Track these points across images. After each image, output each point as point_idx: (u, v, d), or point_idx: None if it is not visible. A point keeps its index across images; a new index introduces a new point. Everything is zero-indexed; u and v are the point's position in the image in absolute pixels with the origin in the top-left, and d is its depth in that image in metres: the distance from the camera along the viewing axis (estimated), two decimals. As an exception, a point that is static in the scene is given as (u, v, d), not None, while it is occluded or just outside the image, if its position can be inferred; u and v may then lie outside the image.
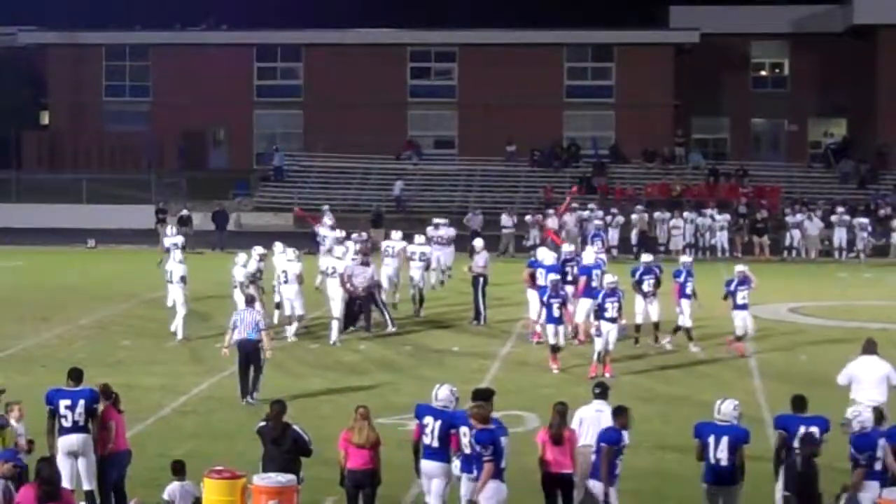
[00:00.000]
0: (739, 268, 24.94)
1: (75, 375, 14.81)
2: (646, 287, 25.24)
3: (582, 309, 24.92)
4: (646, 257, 26.61)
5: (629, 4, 63.57)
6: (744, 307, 24.36)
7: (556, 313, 22.94)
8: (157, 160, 59.43)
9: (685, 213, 45.38)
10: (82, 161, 59.95)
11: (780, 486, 13.51)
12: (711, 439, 13.16)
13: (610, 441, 13.36)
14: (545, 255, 26.42)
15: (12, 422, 14.00)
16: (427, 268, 30.55)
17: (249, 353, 20.15)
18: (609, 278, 23.61)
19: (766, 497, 13.97)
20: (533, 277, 25.83)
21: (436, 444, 13.62)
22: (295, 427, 13.86)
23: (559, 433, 13.83)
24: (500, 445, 13.17)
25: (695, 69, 60.76)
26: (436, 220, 35.56)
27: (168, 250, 30.97)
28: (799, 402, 13.85)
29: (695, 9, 62.55)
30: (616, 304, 22.78)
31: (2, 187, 56.48)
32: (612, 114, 62.52)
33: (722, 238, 44.77)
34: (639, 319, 25.42)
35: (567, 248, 27.90)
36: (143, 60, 64.26)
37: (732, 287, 24.46)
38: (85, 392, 14.61)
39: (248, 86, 63.38)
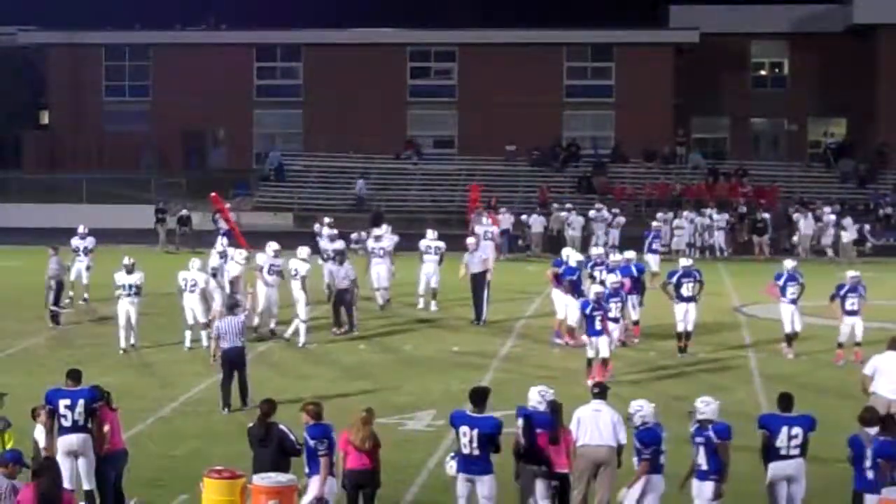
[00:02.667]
0: (852, 273, 24.48)
1: (74, 376, 14.82)
2: (685, 291, 24.56)
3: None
4: (684, 261, 25.75)
5: (629, 4, 63.60)
6: (852, 313, 24.04)
7: (598, 326, 21.96)
8: (157, 160, 59.41)
9: (685, 213, 45.44)
10: (82, 161, 59.96)
11: (768, 481, 13.58)
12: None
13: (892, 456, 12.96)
14: (570, 255, 26.43)
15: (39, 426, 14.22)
16: (441, 261, 30.71)
17: (235, 362, 19.72)
18: (612, 278, 23.49)
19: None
20: (557, 277, 25.85)
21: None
22: (281, 426, 13.84)
23: (555, 433, 13.83)
24: (333, 440, 13.38)
25: (695, 69, 60.78)
26: (376, 232, 32.28)
27: (76, 250, 30.84)
28: (785, 401, 13.87)
29: (695, 8, 62.56)
30: (619, 305, 22.68)
31: (2, 187, 56.48)
32: (612, 113, 62.53)
33: (720, 237, 44.85)
34: (680, 327, 24.74)
35: (596, 251, 27.79)
36: (143, 60, 64.28)
37: (842, 292, 24.15)
38: (84, 392, 14.63)
39: (248, 86, 63.39)
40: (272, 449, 13.68)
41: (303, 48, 63.45)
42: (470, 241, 29.91)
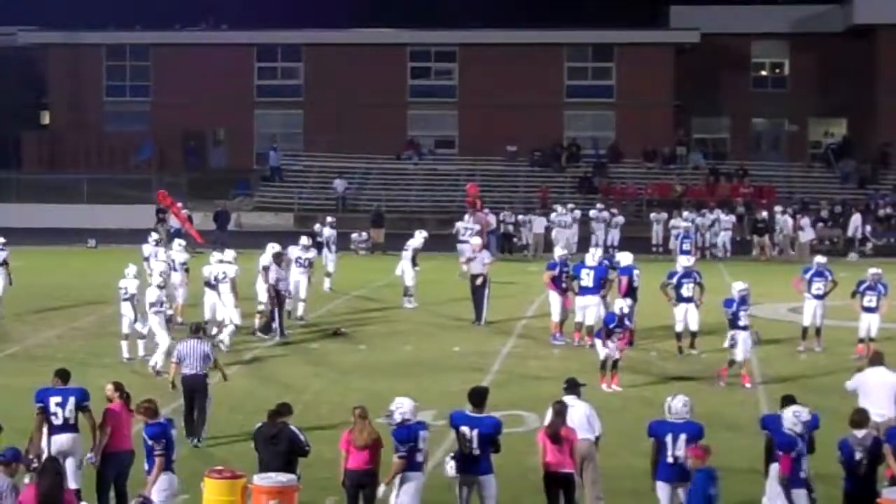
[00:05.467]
0: (874, 270, 24.57)
1: (62, 375, 14.88)
2: (685, 292, 24.50)
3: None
4: (686, 261, 25.80)
5: (629, 4, 63.59)
6: (869, 310, 24.11)
7: (614, 340, 21.49)
8: (157, 160, 59.44)
9: (685, 213, 45.39)
10: (82, 161, 59.95)
11: (768, 485, 13.59)
12: (669, 438, 13.28)
13: None
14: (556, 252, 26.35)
15: None
16: (413, 261, 30.76)
17: (196, 391, 17.87)
18: (740, 286, 22.51)
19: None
20: (553, 280, 25.81)
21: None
22: (291, 427, 13.85)
23: (556, 432, 13.84)
24: (171, 439, 13.48)
25: (695, 69, 60.79)
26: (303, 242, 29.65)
27: None
28: (788, 402, 13.87)
29: (695, 9, 62.57)
30: (748, 312, 22.12)
31: (2, 187, 56.47)
32: (613, 114, 62.55)
33: (725, 238, 44.80)
34: (679, 327, 24.65)
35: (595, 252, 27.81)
36: (143, 60, 64.28)
37: (862, 289, 24.26)
38: (75, 390, 14.70)
39: (248, 86, 63.40)
40: (281, 449, 13.68)
41: (303, 48, 63.46)
42: (475, 241, 29.85)
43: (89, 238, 46.28)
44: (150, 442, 13.46)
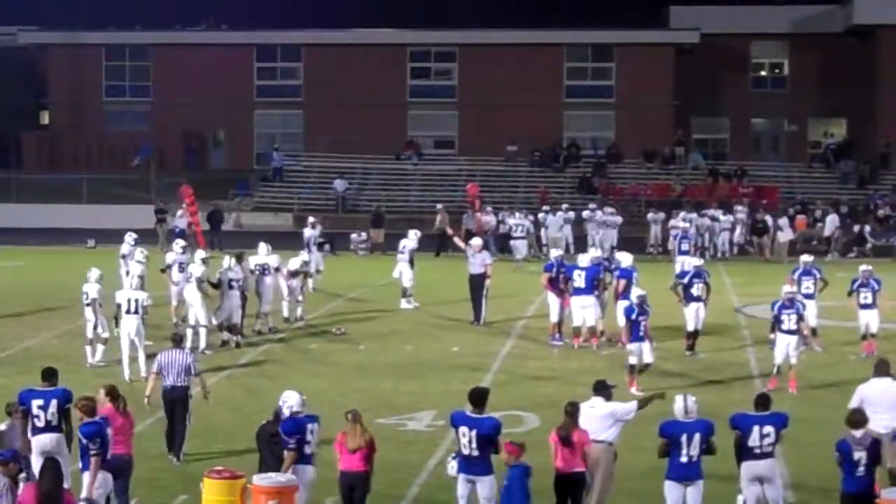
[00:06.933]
0: (864, 267, 24.87)
1: (48, 375, 14.74)
2: (695, 291, 24.55)
3: (618, 311, 23.46)
4: (696, 261, 25.93)
5: (629, 4, 63.58)
6: (866, 307, 24.40)
7: (641, 332, 21.57)
8: (157, 160, 59.44)
9: (682, 213, 45.33)
10: (82, 161, 59.97)
11: (743, 482, 13.67)
12: (684, 438, 13.32)
13: None
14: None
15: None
16: (411, 261, 30.88)
17: (177, 403, 17.16)
18: (787, 288, 22.40)
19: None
20: (550, 281, 25.82)
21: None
22: (294, 427, 13.89)
23: (566, 435, 13.84)
24: (106, 438, 13.45)
25: (695, 69, 60.80)
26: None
27: None
28: (761, 401, 13.92)
29: (695, 9, 62.58)
30: (795, 316, 21.75)
31: (2, 187, 56.46)
32: (612, 114, 62.56)
33: (725, 238, 44.77)
34: (690, 326, 24.69)
35: (594, 252, 27.87)
36: (143, 60, 64.29)
37: (855, 286, 24.54)
38: (57, 392, 14.52)
39: (248, 86, 63.40)
40: (282, 448, 13.68)
41: (303, 48, 63.46)
42: (475, 241, 29.85)
43: (89, 238, 46.24)
44: (84, 441, 13.33)
